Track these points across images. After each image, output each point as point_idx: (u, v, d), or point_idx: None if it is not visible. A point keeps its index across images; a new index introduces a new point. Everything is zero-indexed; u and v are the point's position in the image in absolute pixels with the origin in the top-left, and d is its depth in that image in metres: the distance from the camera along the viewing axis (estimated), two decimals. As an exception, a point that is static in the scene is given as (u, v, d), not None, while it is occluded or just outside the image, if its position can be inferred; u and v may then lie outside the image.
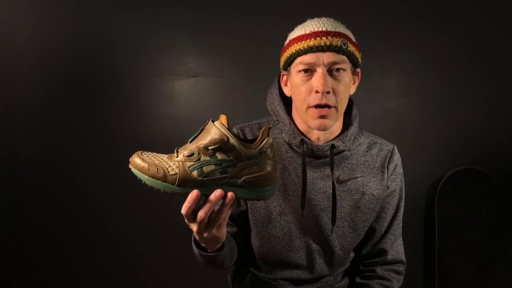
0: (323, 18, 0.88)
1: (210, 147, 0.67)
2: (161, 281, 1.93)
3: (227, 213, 0.71)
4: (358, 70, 0.94)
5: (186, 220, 0.70)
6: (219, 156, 0.68)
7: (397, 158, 1.01)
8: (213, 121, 0.70)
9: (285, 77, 0.96)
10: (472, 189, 1.88)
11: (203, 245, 0.78)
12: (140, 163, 0.68)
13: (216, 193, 0.66)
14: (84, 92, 1.85)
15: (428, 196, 1.94)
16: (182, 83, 1.87)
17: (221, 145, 0.67)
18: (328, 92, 0.84)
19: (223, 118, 0.70)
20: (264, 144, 0.70)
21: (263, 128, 0.71)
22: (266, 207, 0.96)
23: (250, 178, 0.70)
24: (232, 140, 0.68)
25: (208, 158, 0.67)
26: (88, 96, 1.86)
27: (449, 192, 1.88)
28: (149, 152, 0.71)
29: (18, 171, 1.87)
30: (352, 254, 1.07)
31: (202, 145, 0.68)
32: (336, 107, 0.86)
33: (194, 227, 0.70)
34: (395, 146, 1.02)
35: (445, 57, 1.88)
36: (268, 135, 0.71)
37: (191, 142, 0.70)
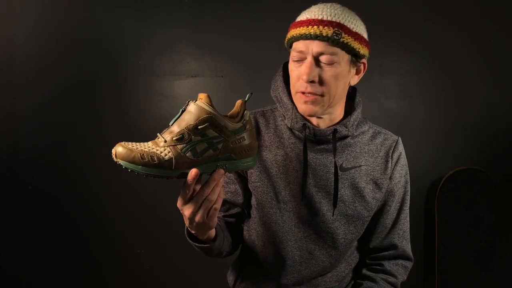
0: (328, 4, 0.88)
1: (200, 126, 0.68)
2: (161, 281, 1.93)
3: (218, 199, 0.72)
4: (363, 61, 0.93)
5: (180, 203, 0.71)
6: (209, 134, 0.69)
7: (401, 149, 1.01)
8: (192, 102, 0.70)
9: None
10: (472, 189, 1.88)
11: (193, 232, 0.78)
12: (130, 154, 0.64)
13: (219, 172, 0.70)
14: (84, 92, 1.85)
15: (428, 196, 1.94)
16: (182, 83, 1.87)
17: (210, 122, 0.68)
18: (312, 82, 0.85)
19: (204, 97, 0.70)
20: (245, 116, 0.74)
21: (239, 102, 0.74)
22: (267, 192, 0.95)
23: (238, 150, 0.73)
24: (220, 117, 0.69)
25: (199, 137, 0.68)
26: (88, 96, 1.86)
27: (449, 192, 1.88)
28: (130, 142, 0.67)
29: (18, 171, 1.87)
30: (356, 252, 1.06)
31: (191, 126, 0.67)
32: (322, 95, 0.87)
33: (188, 210, 0.70)
34: (400, 138, 1.02)
35: (445, 57, 1.88)
36: (245, 108, 0.74)
37: (172, 124, 0.69)
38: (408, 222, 1.04)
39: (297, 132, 0.95)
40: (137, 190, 1.88)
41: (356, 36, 0.87)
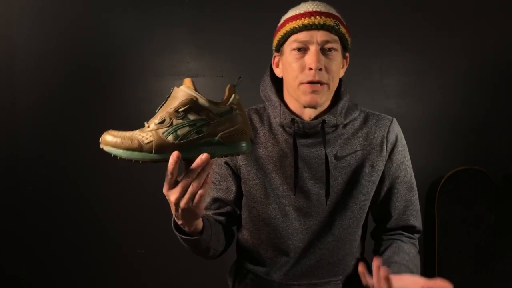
0: (316, 1, 0.93)
1: (180, 109, 0.67)
2: (161, 281, 1.93)
3: (204, 185, 0.70)
4: (347, 54, 0.97)
5: (165, 189, 0.70)
6: (191, 117, 0.68)
7: (397, 129, 1.01)
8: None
9: (277, 59, 0.98)
10: (472, 189, 1.88)
11: (180, 223, 0.77)
12: (112, 139, 0.66)
13: (202, 157, 0.66)
14: (84, 92, 1.85)
15: (428, 196, 1.94)
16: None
17: (192, 105, 0.68)
18: (320, 69, 0.87)
19: (187, 81, 0.71)
20: (233, 100, 0.72)
21: (228, 85, 0.74)
22: (265, 189, 0.96)
23: (226, 134, 0.71)
24: (202, 100, 0.69)
25: (180, 121, 0.67)
26: (88, 96, 1.86)
27: (449, 192, 1.88)
28: (118, 131, 0.69)
29: (18, 171, 1.87)
30: (360, 242, 1.06)
31: (172, 109, 0.68)
32: (328, 84, 0.89)
33: (173, 195, 0.69)
34: (395, 119, 1.02)
35: (445, 57, 1.88)
36: (234, 91, 0.73)
37: (158, 111, 0.69)
38: (418, 200, 1.05)
39: (287, 128, 0.96)
40: (137, 190, 1.88)
41: (346, 28, 0.92)
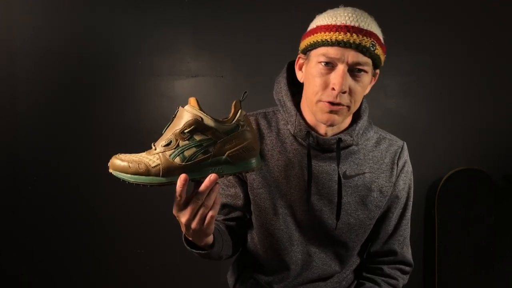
0: (358, 10, 0.83)
1: (186, 130, 0.67)
2: (161, 281, 1.93)
3: (214, 206, 0.69)
4: (378, 71, 0.90)
5: (175, 210, 0.69)
6: (197, 137, 0.67)
7: (406, 155, 0.99)
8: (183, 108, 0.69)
9: (301, 61, 0.90)
10: (472, 189, 1.89)
11: (190, 238, 0.77)
12: (120, 163, 0.66)
13: (211, 178, 0.66)
14: (83, 92, 1.85)
15: (428, 196, 1.94)
16: (182, 83, 1.87)
17: (197, 125, 0.67)
18: (344, 92, 0.81)
19: (192, 101, 0.70)
20: (239, 116, 0.70)
21: (234, 101, 0.72)
22: (270, 198, 0.94)
23: (233, 152, 0.70)
24: (207, 119, 0.68)
25: (187, 142, 0.67)
26: (88, 96, 1.86)
27: (449, 192, 1.88)
28: (126, 154, 0.69)
29: (18, 171, 1.87)
30: (357, 256, 1.05)
31: (178, 131, 0.67)
32: (349, 106, 0.84)
33: (184, 217, 0.68)
34: (405, 143, 1.00)
35: (445, 57, 1.88)
36: (240, 107, 0.71)
37: (164, 132, 0.69)
38: (409, 228, 1.03)
39: (300, 139, 0.93)
40: (137, 190, 1.87)
41: (383, 47, 0.85)
